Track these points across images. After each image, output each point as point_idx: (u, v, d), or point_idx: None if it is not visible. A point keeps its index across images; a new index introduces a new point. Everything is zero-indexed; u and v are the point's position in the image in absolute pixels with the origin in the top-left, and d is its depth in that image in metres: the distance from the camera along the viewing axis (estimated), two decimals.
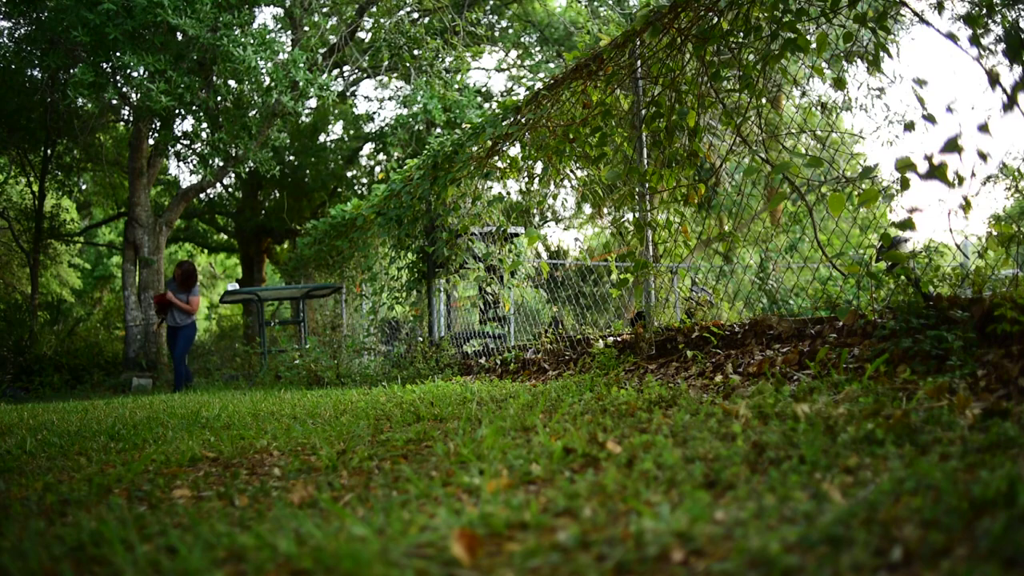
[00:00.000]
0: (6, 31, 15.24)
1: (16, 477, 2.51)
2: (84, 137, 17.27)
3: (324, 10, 18.52)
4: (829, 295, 4.03)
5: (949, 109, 3.03)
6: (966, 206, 3.23)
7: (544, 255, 21.26)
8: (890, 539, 1.20)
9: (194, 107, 14.12)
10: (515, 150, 7.05)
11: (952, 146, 2.94)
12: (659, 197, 5.23)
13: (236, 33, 12.93)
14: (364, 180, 24.16)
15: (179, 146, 16.57)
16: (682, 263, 5.65)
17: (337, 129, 25.14)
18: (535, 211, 6.98)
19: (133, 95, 14.27)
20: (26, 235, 19.54)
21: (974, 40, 3.07)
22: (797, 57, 4.03)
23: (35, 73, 15.28)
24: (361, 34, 19.78)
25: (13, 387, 14.00)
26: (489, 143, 7.00)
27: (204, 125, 15.21)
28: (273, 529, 1.64)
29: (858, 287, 3.89)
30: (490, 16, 22.18)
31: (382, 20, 18.28)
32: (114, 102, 15.19)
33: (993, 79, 3.02)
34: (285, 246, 25.22)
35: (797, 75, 4.71)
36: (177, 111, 14.69)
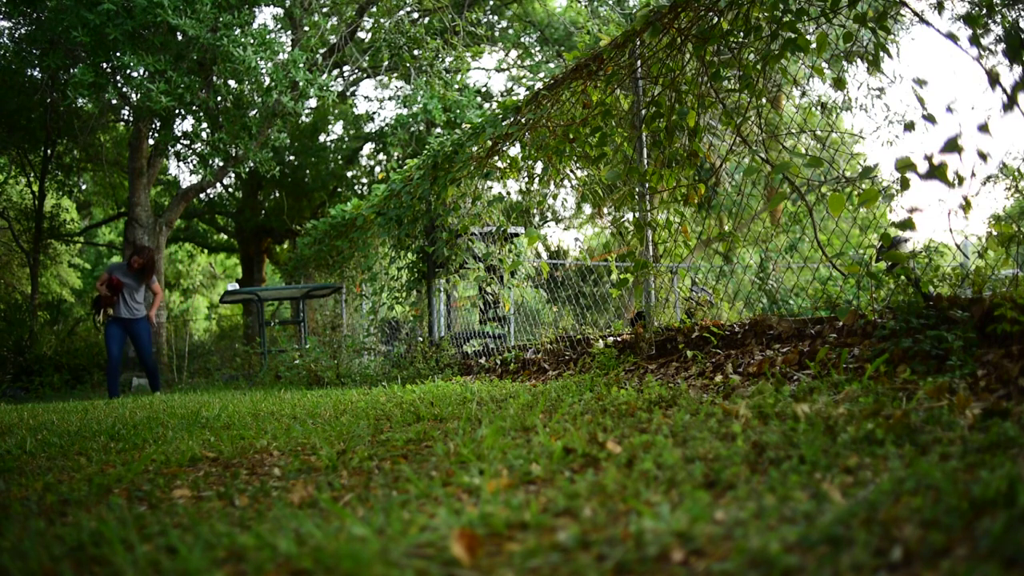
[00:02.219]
0: (6, 31, 15.25)
1: (16, 477, 2.51)
2: (84, 137, 17.27)
3: (324, 10, 18.51)
4: (829, 295, 4.03)
5: (949, 109, 3.03)
6: (966, 206, 3.23)
7: (544, 255, 21.25)
8: (890, 539, 1.20)
9: (194, 107, 14.11)
10: (515, 150, 7.05)
11: (952, 146, 2.94)
12: (659, 197, 5.23)
13: (236, 33, 12.92)
14: (364, 180, 24.15)
15: (179, 146, 16.57)
16: (682, 263, 5.64)
17: (337, 129, 25.15)
18: (535, 211, 6.98)
19: (133, 95, 14.26)
20: (26, 235, 19.54)
21: (974, 40, 3.07)
22: (797, 57, 4.03)
23: (35, 73, 15.27)
24: (361, 34, 19.77)
25: (13, 387, 13.98)
26: (489, 143, 7.00)
27: (204, 125, 15.20)
28: (273, 529, 1.64)
29: (858, 287, 3.89)
30: (490, 16, 22.17)
31: (382, 20, 18.27)
32: (114, 102, 15.18)
33: (993, 79, 3.02)
34: (285, 246, 25.22)
35: (797, 75, 4.71)
36: (177, 111, 14.68)
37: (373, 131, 23.00)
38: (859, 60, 3.81)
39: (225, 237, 28.08)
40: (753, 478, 1.76)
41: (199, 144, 15.78)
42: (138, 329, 9.59)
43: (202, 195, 21.88)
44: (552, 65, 20.11)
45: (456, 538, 1.37)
